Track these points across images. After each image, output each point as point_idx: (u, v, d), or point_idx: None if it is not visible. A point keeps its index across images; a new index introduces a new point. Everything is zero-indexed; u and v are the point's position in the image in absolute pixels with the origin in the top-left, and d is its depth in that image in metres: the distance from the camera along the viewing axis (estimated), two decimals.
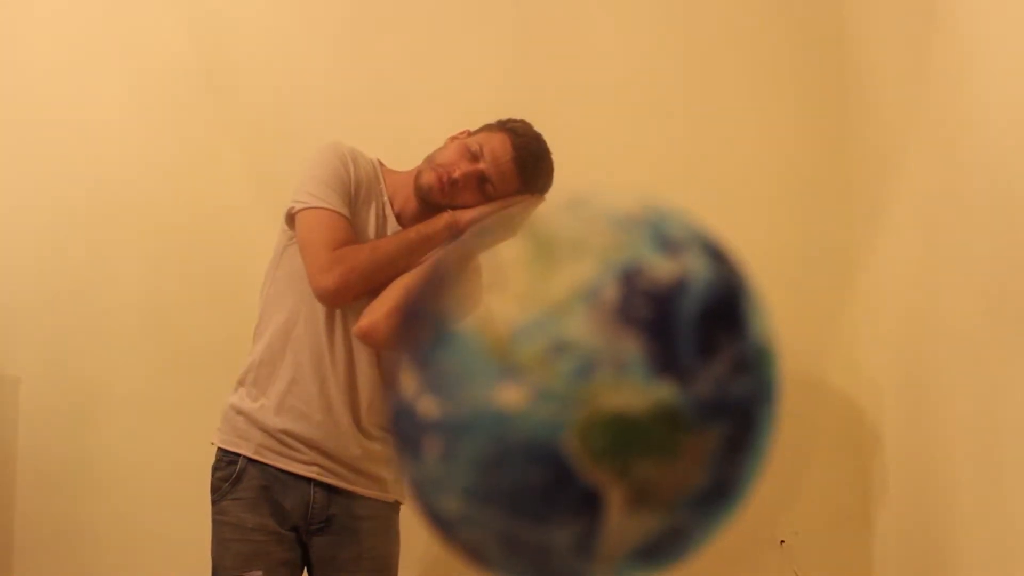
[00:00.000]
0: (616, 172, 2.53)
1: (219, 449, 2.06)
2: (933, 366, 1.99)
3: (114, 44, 2.63)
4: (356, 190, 2.06)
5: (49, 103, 2.52)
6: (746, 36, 2.60)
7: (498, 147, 2.05)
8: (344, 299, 2.00)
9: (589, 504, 0.76)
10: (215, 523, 2.03)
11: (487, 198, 2.06)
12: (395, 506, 2.12)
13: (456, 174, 2.03)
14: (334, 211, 2.01)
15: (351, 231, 2.03)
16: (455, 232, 2.03)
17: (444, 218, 2.04)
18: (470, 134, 2.12)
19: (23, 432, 2.56)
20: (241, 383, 2.08)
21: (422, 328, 0.80)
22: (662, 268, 0.78)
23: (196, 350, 2.55)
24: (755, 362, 0.80)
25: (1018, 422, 1.62)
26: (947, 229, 1.91)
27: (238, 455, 2.02)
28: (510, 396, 0.76)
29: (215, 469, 2.05)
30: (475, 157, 2.04)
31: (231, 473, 2.02)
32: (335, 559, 2.04)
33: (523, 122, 2.12)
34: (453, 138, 2.13)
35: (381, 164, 2.16)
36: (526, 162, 2.07)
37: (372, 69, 2.60)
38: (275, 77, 2.59)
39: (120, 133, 2.46)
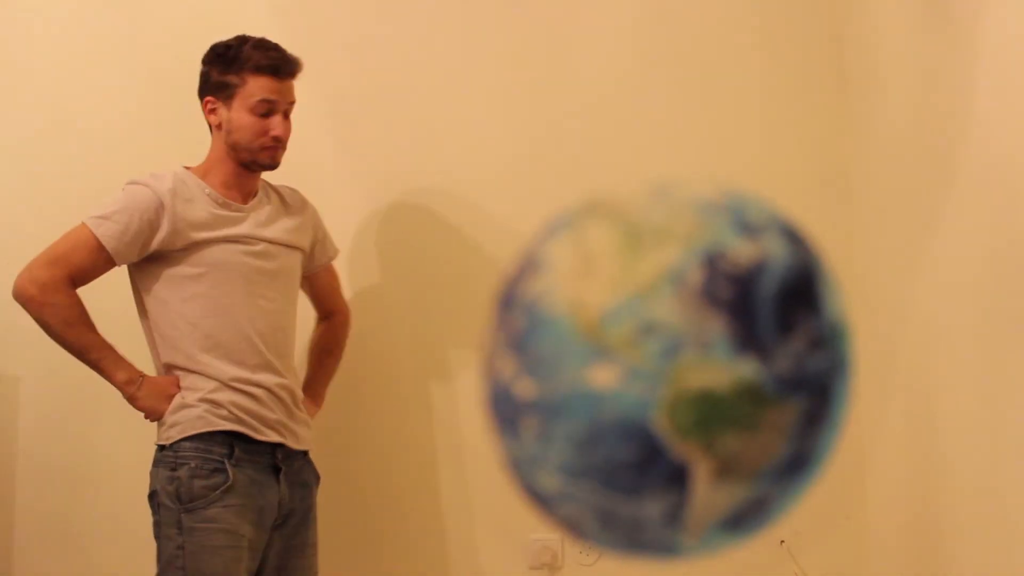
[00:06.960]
0: (614, 170, 2.56)
1: (194, 456, 2.07)
2: (933, 365, 2.02)
3: (115, 44, 2.63)
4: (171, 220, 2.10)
5: (50, 103, 2.51)
6: (746, 33, 2.64)
7: (265, 86, 2.11)
8: (19, 298, 2.05)
9: (678, 477, 0.80)
10: (200, 530, 2.03)
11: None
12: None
13: (277, 133, 2.12)
14: (100, 241, 2.06)
15: (98, 266, 2.08)
16: (130, 391, 2.11)
17: (126, 378, 2.11)
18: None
19: (23, 432, 2.55)
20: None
21: (517, 314, 0.83)
22: (743, 251, 0.82)
23: None
24: (830, 338, 0.84)
25: (1018, 421, 1.65)
26: (946, 228, 1.93)
27: (223, 462, 2.06)
28: (602, 376, 0.79)
29: (192, 477, 2.05)
30: (272, 110, 2.12)
31: (223, 481, 2.05)
32: (293, 547, 2.19)
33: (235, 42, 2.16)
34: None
35: (186, 168, 2.19)
36: (282, 68, 2.14)
37: (373, 69, 2.61)
38: None
39: (121, 133, 2.46)
